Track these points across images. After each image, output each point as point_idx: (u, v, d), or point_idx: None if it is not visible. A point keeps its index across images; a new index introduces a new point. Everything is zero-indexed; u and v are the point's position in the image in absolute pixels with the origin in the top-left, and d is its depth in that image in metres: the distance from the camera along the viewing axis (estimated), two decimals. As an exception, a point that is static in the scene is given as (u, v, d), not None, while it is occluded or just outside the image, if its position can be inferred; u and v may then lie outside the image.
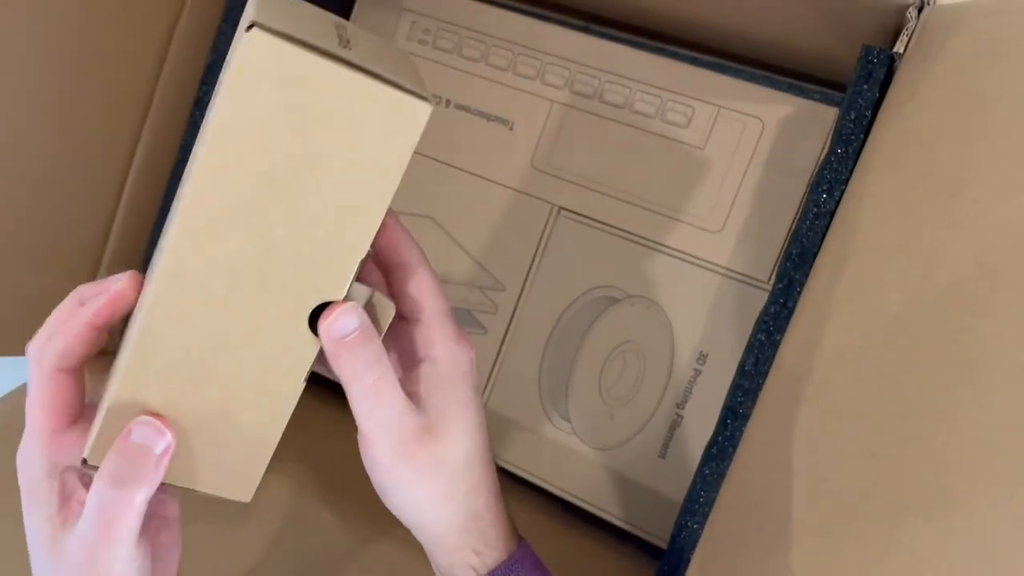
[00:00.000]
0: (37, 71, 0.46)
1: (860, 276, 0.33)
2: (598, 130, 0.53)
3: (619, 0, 0.53)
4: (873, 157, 0.38)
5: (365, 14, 0.59)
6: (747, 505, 0.36)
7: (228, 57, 0.30)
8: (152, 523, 0.33)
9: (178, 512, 0.35)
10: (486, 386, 0.55)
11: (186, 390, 0.31)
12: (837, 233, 0.38)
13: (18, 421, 0.32)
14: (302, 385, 0.32)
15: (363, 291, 0.32)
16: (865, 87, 0.41)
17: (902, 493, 0.25)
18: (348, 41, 0.29)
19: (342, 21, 0.32)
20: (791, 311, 0.40)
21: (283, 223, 0.29)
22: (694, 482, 0.43)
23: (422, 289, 0.35)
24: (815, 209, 0.41)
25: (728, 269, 0.50)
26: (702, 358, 0.51)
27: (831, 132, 0.46)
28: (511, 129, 0.55)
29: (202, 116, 0.55)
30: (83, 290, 0.33)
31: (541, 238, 0.54)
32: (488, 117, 0.55)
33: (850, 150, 0.41)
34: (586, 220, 0.53)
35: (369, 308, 0.33)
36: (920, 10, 0.39)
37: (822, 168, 0.41)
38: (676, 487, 0.51)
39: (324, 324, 0.31)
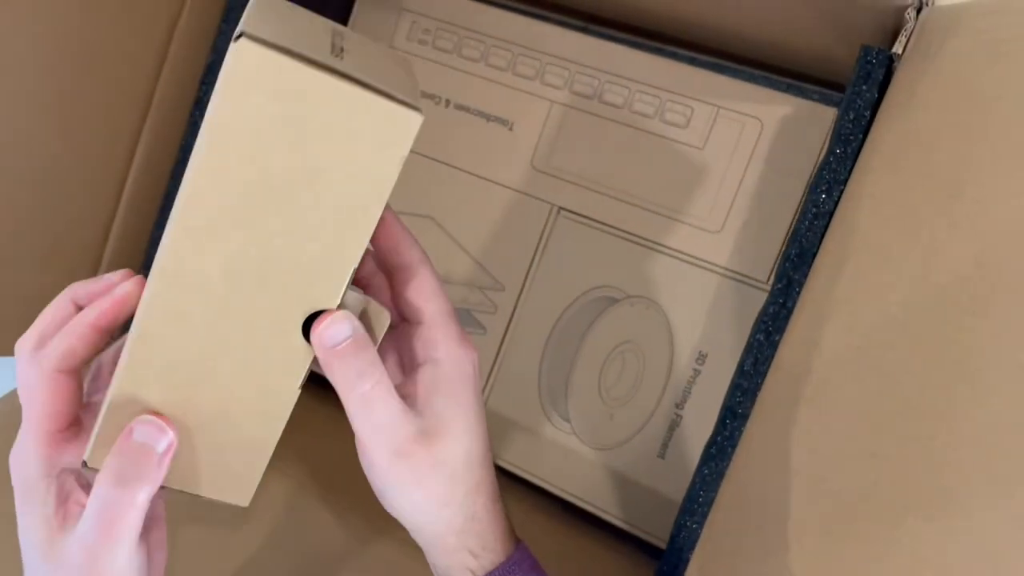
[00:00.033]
0: (37, 71, 0.46)
1: (859, 276, 0.33)
2: (597, 130, 0.53)
3: (618, 0, 0.53)
4: (872, 157, 0.38)
5: (365, 14, 0.59)
6: (746, 505, 0.36)
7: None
8: (146, 523, 0.33)
9: (164, 511, 0.35)
10: (486, 386, 0.55)
11: (184, 392, 0.31)
12: (836, 233, 0.39)
13: (18, 421, 0.32)
14: (297, 392, 0.32)
15: (358, 300, 0.32)
16: (864, 87, 0.41)
17: (901, 493, 0.25)
18: (342, 49, 0.29)
19: (341, 29, 0.32)
20: (790, 311, 0.40)
21: (273, 229, 0.29)
22: (693, 482, 0.43)
23: (424, 291, 0.35)
24: (814, 209, 0.41)
25: (727, 269, 0.50)
26: (701, 358, 0.51)
27: (830, 132, 0.47)
28: (511, 129, 0.55)
29: (202, 116, 0.55)
30: (77, 288, 0.33)
31: (541, 238, 0.54)
32: (488, 117, 0.55)
33: (849, 150, 0.41)
34: (585, 220, 0.53)
35: (364, 317, 0.33)
36: (919, 11, 0.39)
37: (821, 168, 0.41)
38: (675, 487, 0.51)
39: (315, 332, 0.31)
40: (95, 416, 0.32)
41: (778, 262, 0.49)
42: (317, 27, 0.30)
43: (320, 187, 0.29)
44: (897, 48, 0.40)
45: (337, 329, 0.31)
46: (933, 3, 0.38)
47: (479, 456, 0.35)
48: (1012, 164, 0.27)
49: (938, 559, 0.22)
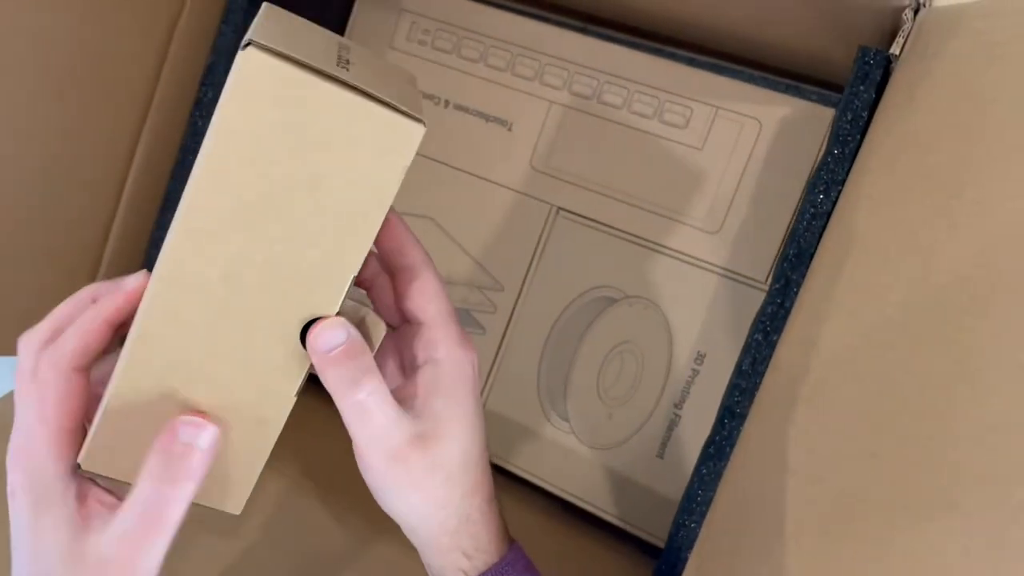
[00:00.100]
0: (37, 71, 0.46)
1: (857, 277, 0.33)
2: (596, 131, 0.53)
3: (617, 1, 0.53)
4: (870, 158, 0.38)
5: (364, 14, 0.59)
6: (744, 504, 0.36)
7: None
8: None
9: None
10: (485, 386, 0.55)
11: (181, 396, 0.31)
12: (834, 234, 0.39)
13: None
14: (293, 399, 0.33)
15: (356, 309, 0.33)
16: (862, 88, 0.41)
17: (900, 493, 0.25)
18: (348, 62, 0.29)
19: (347, 43, 0.32)
20: (788, 311, 0.40)
21: (275, 235, 0.29)
22: (691, 481, 0.44)
23: (426, 292, 0.35)
24: (812, 210, 0.41)
25: (725, 269, 0.50)
26: (700, 358, 0.51)
27: (828, 133, 0.47)
28: (510, 130, 0.55)
29: (202, 116, 0.56)
30: (97, 288, 0.33)
31: (540, 238, 0.54)
32: (487, 118, 0.55)
33: (847, 151, 0.41)
34: (584, 220, 0.53)
35: (361, 326, 0.33)
36: (916, 12, 0.39)
37: (819, 169, 0.41)
38: (674, 486, 0.51)
39: (310, 338, 0.31)
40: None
41: (776, 262, 0.49)
42: (324, 40, 0.31)
43: (322, 195, 0.29)
44: (895, 49, 0.40)
45: (331, 335, 0.31)
46: (930, 4, 0.38)
47: (476, 458, 0.35)
48: (1009, 165, 0.28)
49: (937, 559, 0.22)
